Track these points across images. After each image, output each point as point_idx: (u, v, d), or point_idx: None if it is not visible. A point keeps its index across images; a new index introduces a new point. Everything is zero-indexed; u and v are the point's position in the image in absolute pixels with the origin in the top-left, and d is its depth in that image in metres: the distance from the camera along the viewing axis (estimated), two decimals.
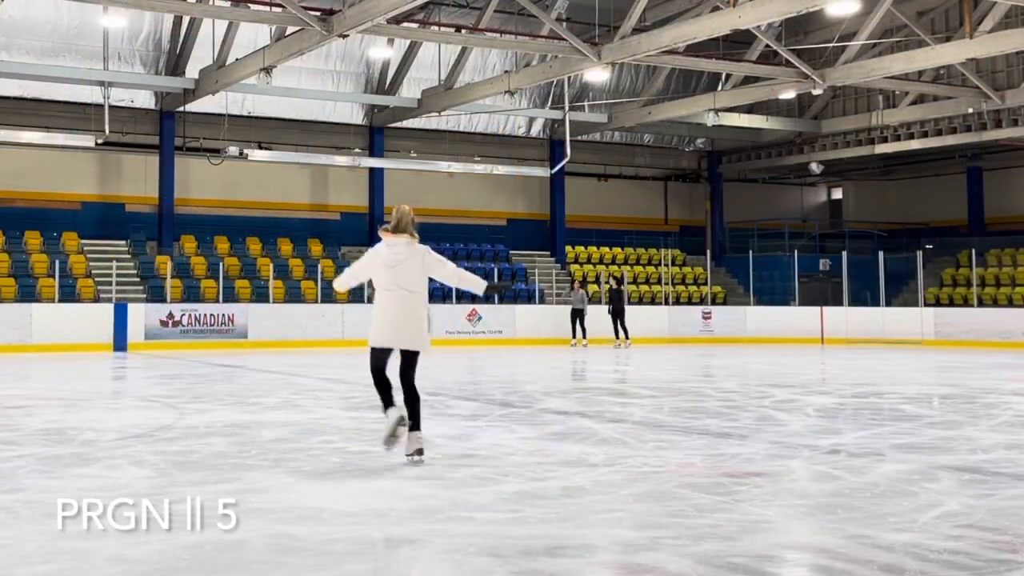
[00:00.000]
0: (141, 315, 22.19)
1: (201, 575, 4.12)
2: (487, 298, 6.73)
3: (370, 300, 25.27)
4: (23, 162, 25.08)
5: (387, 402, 6.81)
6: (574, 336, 24.29)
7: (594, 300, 28.50)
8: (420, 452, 6.79)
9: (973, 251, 28.03)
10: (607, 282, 26.32)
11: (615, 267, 29.72)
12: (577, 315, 24.37)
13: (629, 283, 29.29)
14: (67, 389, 12.91)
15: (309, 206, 28.41)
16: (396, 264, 6.85)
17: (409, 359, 6.84)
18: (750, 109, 28.78)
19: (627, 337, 24.06)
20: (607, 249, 30.97)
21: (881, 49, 25.09)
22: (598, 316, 24.99)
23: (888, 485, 5.99)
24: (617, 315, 24.29)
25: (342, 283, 7.42)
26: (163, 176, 25.92)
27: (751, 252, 29.56)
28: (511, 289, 26.63)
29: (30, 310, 21.52)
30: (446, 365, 17.47)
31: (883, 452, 7.29)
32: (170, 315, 22.45)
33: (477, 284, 7.25)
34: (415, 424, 6.79)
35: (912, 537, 4.70)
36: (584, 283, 25.90)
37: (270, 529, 4.86)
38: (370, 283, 7.11)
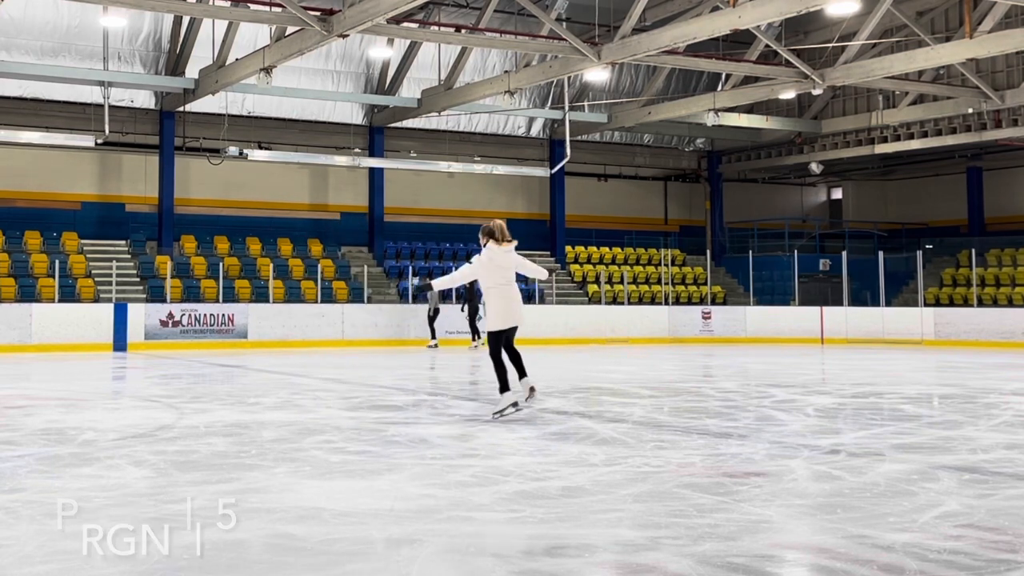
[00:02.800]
0: (141, 315, 22.19)
1: (201, 575, 4.12)
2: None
3: (370, 300, 25.46)
4: (23, 162, 25.09)
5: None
6: (433, 338, 23.43)
7: (594, 300, 28.53)
8: (532, 391, 9.13)
9: (973, 251, 28.03)
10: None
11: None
12: (433, 316, 23.56)
13: (629, 283, 29.31)
14: (67, 389, 12.91)
15: (309, 206, 28.42)
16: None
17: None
18: (750, 109, 28.79)
19: (478, 337, 22.96)
20: (607, 249, 30.99)
21: (881, 49, 25.10)
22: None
23: (888, 485, 5.99)
24: (472, 314, 23.21)
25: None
26: (163, 176, 25.93)
27: (751, 252, 29.57)
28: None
29: (30, 310, 21.52)
30: (446, 365, 17.48)
31: (883, 452, 7.29)
32: (170, 315, 22.46)
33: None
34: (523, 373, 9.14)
35: (912, 537, 4.70)
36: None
37: (270, 529, 4.86)
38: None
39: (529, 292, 27.40)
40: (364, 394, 11.95)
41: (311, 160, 26.34)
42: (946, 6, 25.36)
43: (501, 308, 9.07)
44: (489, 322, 9.22)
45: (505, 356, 9.18)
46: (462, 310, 23.64)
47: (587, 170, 31.86)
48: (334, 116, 27.77)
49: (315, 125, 27.85)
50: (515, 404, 9.00)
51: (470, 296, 23.21)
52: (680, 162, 33.96)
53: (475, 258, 9.19)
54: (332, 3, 19.82)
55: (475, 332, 23.05)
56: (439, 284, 9.56)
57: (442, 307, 24.14)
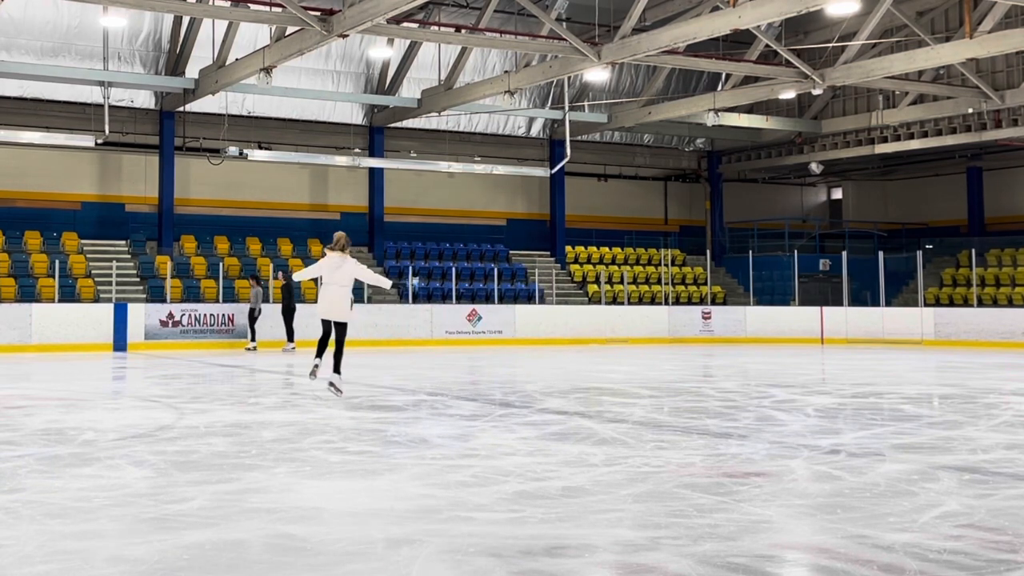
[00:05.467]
0: (141, 315, 22.18)
1: (201, 575, 4.12)
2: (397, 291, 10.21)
3: (370, 300, 25.45)
4: (23, 162, 25.08)
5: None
6: (252, 340, 22.23)
7: (594, 300, 28.52)
8: (333, 386, 10.78)
9: (973, 251, 28.03)
10: (277, 278, 23.38)
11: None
12: (253, 316, 22.28)
13: (629, 283, 29.30)
14: (67, 389, 12.91)
15: (309, 206, 28.41)
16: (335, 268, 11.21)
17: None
18: (750, 109, 28.78)
19: (291, 339, 21.85)
20: (607, 249, 30.98)
21: (881, 49, 25.10)
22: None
23: (888, 485, 5.99)
24: (288, 314, 21.96)
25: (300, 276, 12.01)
26: (163, 176, 25.92)
27: (751, 252, 29.57)
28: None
29: (30, 310, 21.51)
30: (446, 365, 17.48)
31: (883, 452, 7.29)
32: (170, 315, 22.45)
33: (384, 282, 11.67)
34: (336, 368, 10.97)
35: (912, 537, 4.70)
36: (259, 280, 23.07)
37: (270, 529, 4.86)
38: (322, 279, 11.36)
39: (529, 293, 27.42)
40: (364, 394, 11.95)
41: (311, 160, 26.33)
42: (946, 6, 25.36)
43: (320, 302, 11.30)
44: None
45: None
46: (281, 311, 22.33)
47: (587, 170, 31.85)
48: (334, 116, 27.76)
49: (315, 125, 27.85)
50: (313, 371, 11.01)
51: (286, 295, 22.18)
52: (680, 162, 33.96)
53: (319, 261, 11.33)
54: (332, 3, 19.82)
55: (290, 334, 21.88)
56: (298, 276, 12.24)
57: (440, 307, 24.07)
